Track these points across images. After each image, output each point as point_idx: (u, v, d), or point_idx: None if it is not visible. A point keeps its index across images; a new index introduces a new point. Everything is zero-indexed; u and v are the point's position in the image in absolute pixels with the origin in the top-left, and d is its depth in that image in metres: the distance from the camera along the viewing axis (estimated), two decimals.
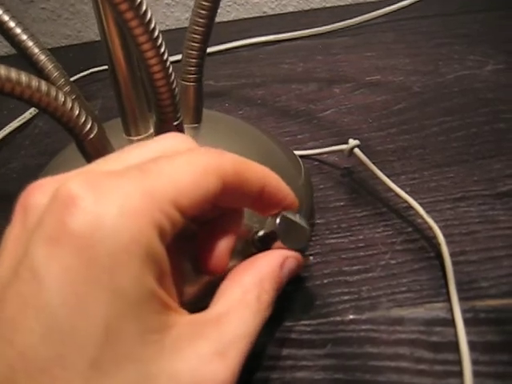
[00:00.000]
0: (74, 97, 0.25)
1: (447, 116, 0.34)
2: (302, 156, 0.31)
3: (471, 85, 0.37)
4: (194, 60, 0.25)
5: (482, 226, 0.25)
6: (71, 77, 0.46)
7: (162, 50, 0.19)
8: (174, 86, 0.21)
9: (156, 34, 0.19)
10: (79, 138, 0.22)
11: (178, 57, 0.46)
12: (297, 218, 0.20)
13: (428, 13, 0.49)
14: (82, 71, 0.47)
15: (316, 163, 0.31)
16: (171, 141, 0.18)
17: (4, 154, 0.38)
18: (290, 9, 0.55)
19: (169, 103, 0.21)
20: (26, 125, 0.42)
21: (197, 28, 0.24)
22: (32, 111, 0.43)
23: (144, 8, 0.18)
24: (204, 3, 0.24)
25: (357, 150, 0.29)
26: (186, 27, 0.57)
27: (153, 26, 0.19)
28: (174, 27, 0.56)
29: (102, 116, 0.42)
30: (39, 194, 0.15)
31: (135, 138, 0.25)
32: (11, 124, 0.41)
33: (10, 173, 0.37)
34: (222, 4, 0.54)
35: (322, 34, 0.48)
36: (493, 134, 0.32)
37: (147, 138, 0.25)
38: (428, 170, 0.30)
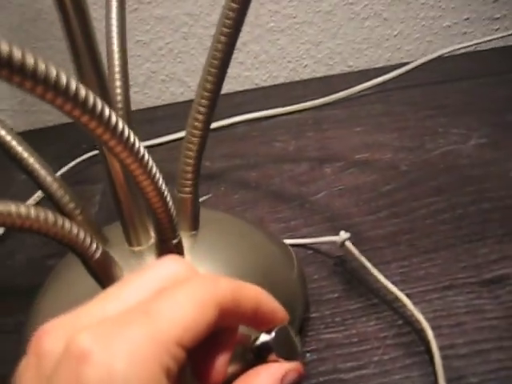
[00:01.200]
0: (79, 211, 0.27)
1: (434, 196, 0.36)
2: (296, 245, 0.33)
3: (456, 161, 0.39)
4: (189, 174, 0.27)
5: (470, 317, 0.27)
6: (75, 158, 0.49)
7: (157, 178, 0.21)
8: (171, 210, 0.23)
9: (149, 165, 0.21)
10: (86, 260, 0.24)
11: (178, 135, 0.48)
12: (289, 332, 0.22)
13: (414, 82, 0.52)
14: (85, 151, 0.49)
15: (310, 252, 0.33)
16: (169, 268, 0.19)
17: (9, 246, 0.40)
18: (281, 80, 0.58)
19: (167, 226, 0.23)
20: None
21: (191, 146, 0.26)
22: (36, 197, 0.45)
23: (127, 136, 0.19)
24: (196, 123, 0.26)
25: (348, 243, 0.30)
26: (180, 102, 0.59)
27: (141, 154, 0.20)
28: (169, 102, 0.59)
29: (104, 201, 0.44)
30: (51, 340, 0.17)
31: (136, 249, 0.27)
32: None
33: (15, 265, 0.38)
34: None
35: (313, 108, 0.50)
36: (478, 214, 0.34)
37: (148, 248, 0.27)
38: (417, 257, 0.31)
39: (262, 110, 0.51)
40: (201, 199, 0.40)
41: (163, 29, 0.55)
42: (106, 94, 0.24)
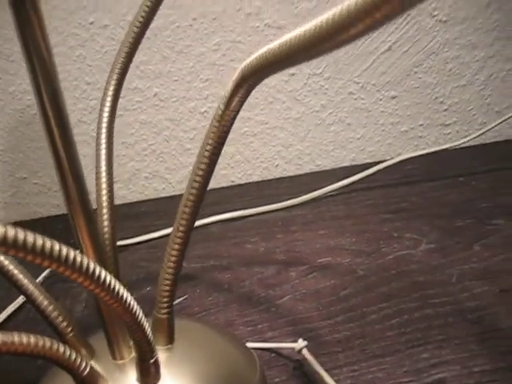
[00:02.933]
0: (70, 330, 0.32)
1: (385, 302, 0.42)
2: (260, 349, 0.38)
3: (407, 266, 0.45)
4: (166, 299, 0.32)
5: None
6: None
7: (136, 313, 0.26)
8: (149, 336, 0.28)
9: (128, 303, 0.26)
10: (75, 376, 0.28)
11: (161, 232, 0.54)
12: None
13: (376, 183, 0.58)
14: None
15: (273, 355, 0.38)
16: None
17: None
18: (255, 178, 0.64)
19: (145, 349, 0.28)
20: (19, 309, 0.48)
21: (168, 272, 0.31)
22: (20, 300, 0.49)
23: (103, 280, 0.24)
24: (173, 254, 0.32)
25: (304, 350, 0.36)
26: (162, 197, 0.65)
27: (120, 295, 0.26)
28: (152, 197, 0.65)
29: (90, 299, 0.48)
30: None
31: (120, 362, 0.32)
32: (7, 309, 0.48)
33: (5, 365, 0.43)
34: None
35: (283, 208, 0.57)
36: (422, 320, 0.39)
37: (130, 360, 0.32)
38: (367, 361, 0.36)
39: (237, 209, 0.57)
40: (178, 300, 0.45)
41: (147, 132, 0.62)
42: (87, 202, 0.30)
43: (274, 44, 0.23)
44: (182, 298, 0.46)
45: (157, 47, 0.58)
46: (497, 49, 0.61)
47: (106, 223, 0.34)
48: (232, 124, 0.28)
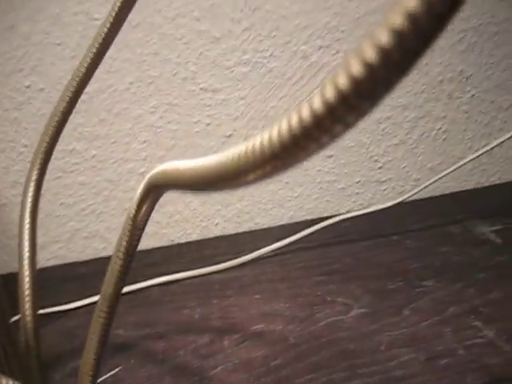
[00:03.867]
0: None
1: (314, 372, 0.42)
2: None
3: (337, 334, 0.46)
4: (91, 372, 0.32)
5: None
6: None
7: None
8: None
9: None
10: None
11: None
12: None
13: (311, 243, 0.60)
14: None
15: None
16: None
17: None
18: (195, 237, 0.65)
19: None
20: None
21: (92, 351, 0.32)
22: None
23: None
24: (97, 328, 0.32)
25: None
26: (103, 257, 0.65)
27: None
28: (92, 257, 0.65)
29: None
30: None
31: None
32: None
33: None
34: None
35: (220, 271, 0.57)
36: None
37: None
38: None
39: (176, 270, 0.57)
40: (110, 373, 0.45)
41: (86, 192, 0.62)
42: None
43: (182, 163, 0.23)
44: (114, 371, 0.46)
45: (94, 110, 0.58)
46: (427, 109, 0.63)
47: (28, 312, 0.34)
48: (145, 224, 0.29)
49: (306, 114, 0.11)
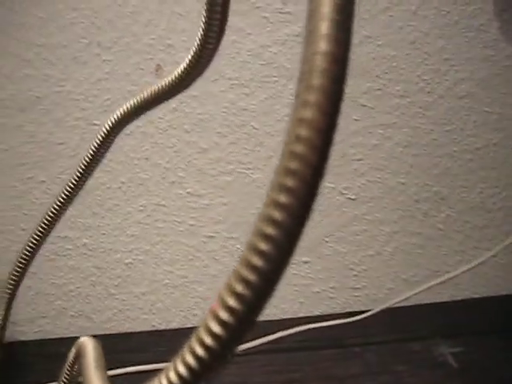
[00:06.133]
0: None
1: None
2: None
3: None
4: None
5: None
6: None
7: None
8: None
9: None
10: None
11: None
12: None
13: (280, 345, 0.63)
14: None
15: None
16: None
17: None
18: (174, 325, 0.70)
19: None
20: None
21: None
22: None
23: None
24: None
25: None
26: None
27: None
28: (77, 335, 0.69)
29: None
30: None
31: None
32: None
33: None
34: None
35: None
36: None
37: None
38: None
39: (149, 360, 0.62)
40: None
41: (75, 276, 0.67)
42: None
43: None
44: None
45: (88, 203, 0.64)
46: (401, 225, 0.67)
47: None
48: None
49: None
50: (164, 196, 0.64)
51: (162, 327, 0.70)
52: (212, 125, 0.62)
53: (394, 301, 0.63)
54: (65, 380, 0.33)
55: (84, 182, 0.41)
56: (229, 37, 0.60)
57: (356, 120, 0.63)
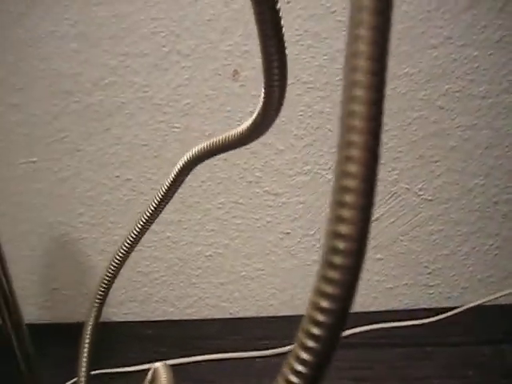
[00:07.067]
0: None
1: None
2: None
3: None
4: None
5: None
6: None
7: None
8: None
9: None
10: None
11: None
12: None
13: (352, 340, 0.65)
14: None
15: None
16: None
17: None
18: (251, 313, 0.73)
19: None
20: None
21: None
22: None
23: None
24: None
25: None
26: (167, 320, 0.74)
27: None
28: (161, 319, 0.75)
29: None
30: None
31: None
32: None
33: None
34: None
35: (271, 356, 0.65)
36: None
37: None
38: None
39: (226, 348, 0.66)
40: None
41: (159, 265, 0.72)
42: None
43: None
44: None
45: (171, 200, 0.68)
46: (479, 226, 0.67)
47: None
48: None
49: None
50: (242, 194, 0.67)
51: (239, 315, 0.74)
52: (289, 127, 0.63)
53: (469, 301, 0.64)
54: None
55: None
56: (305, 41, 0.60)
57: (434, 122, 0.62)
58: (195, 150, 0.38)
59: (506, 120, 0.62)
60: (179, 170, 0.40)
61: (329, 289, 0.13)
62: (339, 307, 0.13)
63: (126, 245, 0.44)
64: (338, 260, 0.12)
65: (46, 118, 0.65)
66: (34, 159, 0.67)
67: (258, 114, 0.31)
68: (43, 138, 0.66)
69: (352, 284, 0.13)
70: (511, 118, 0.62)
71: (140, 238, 0.45)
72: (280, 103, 0.29)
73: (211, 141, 0.37)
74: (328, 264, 0.13)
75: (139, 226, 0.44)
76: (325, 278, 0.13)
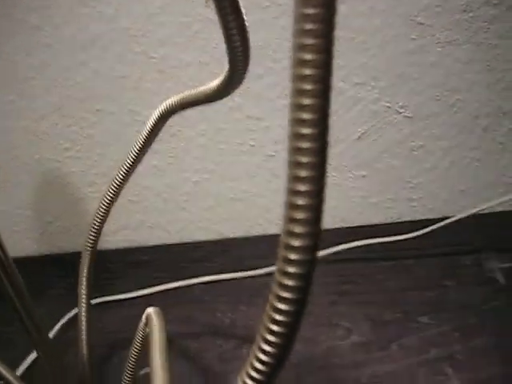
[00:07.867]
0: None
1: None
2: None
3: (332, 360, 0.57)
4: None
5: None
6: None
7: None
8: None
9: None
10: None
11: None
12: None
13: (338, 257, 0.68)
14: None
15: None
16: None
17: None
18: (240, 234, 0.76)
19: None
20: None
21: None
22: None
23: None
24: None
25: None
26: (161, 244, 0.77)
27: None
28: (154, 244, 0.78)
29: None
30: None
31: None
32: None
33: None
34: None
35: (264, 275, 0.68)
36: None
37: None
38: None
39: (220, 269, 0.69)
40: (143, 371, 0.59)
41: (148, 193, 0.74)
42: None
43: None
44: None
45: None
46: (460, 140, 0.67)
47: None
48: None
49: None
50: (224, 120, 0.67)
51: (231, 236, 0.77)
52: (266, 51, 0.63)
53: (451, 212, 0.66)
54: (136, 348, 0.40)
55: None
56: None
57: (413, 39, 0.61)
58: (169, 102, 0.39)
59: (486, 33, 0.61)
60: (153, 124, 0.40)
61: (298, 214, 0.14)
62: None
63: (120, 175, 0.45)
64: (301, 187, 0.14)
65: (20, 56, 0.64)
66: (11, 97, 0.66)
67: (227, 72, 0.31)
68: (18, 76, 0.65)
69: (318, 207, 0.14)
70: (492, 31, 0.61)
71: (141, 158, 0.46)
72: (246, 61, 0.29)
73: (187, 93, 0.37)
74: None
75: (131, 158, 0.45)
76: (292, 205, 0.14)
